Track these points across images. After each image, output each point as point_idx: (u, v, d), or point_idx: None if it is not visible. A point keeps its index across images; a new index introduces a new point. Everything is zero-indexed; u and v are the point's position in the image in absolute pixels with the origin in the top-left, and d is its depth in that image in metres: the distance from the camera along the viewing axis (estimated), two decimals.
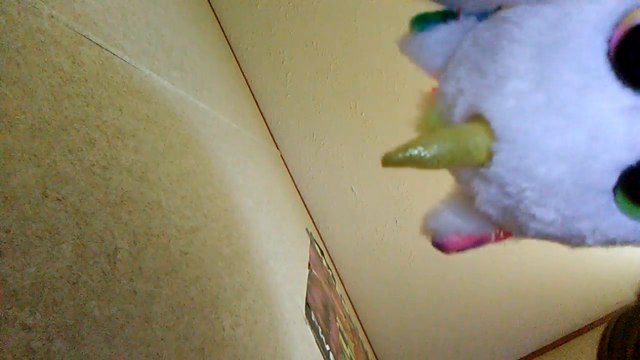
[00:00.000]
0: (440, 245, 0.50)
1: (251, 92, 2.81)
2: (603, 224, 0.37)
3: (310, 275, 1.91)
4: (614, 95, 0.33)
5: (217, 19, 2.71)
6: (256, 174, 1.88)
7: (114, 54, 0.93)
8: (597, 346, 0.49)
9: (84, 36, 0.84)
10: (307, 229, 2.51)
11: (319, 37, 2.62)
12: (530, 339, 2.95)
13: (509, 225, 0.43)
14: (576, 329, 2.85)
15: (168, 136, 1.03)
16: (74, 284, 0.53)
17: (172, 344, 0.68)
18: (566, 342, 2.87)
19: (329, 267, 2.67)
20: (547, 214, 0.38)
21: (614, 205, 0.35)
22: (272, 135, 2.87)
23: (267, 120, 2.86)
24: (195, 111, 1.35)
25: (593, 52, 0.34)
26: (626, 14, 0.33)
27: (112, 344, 0.55)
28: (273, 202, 1.94)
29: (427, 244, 0.50)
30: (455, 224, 0.48)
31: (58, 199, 0.57)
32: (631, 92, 0.33)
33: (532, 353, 2.97)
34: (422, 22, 0.46)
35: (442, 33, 0.45)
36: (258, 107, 2.83)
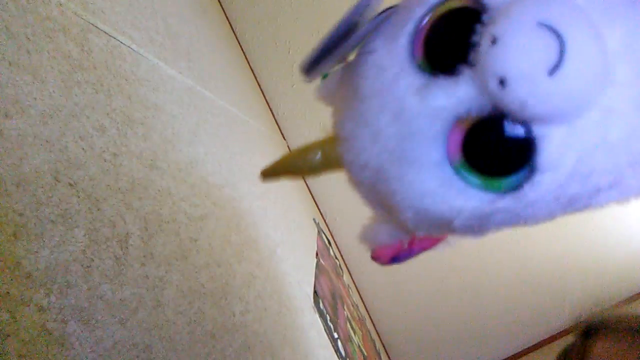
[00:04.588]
0: (373, 259, 0.57)
1: (257, 82, 2.80)
2: (449, 197, 0.38)
3: (317, 265, 1.92)
4: (410, 79, 0.39)
5: (223, 9, 2.70)
6: (263, 163, 1.88)
7: (121, 42, 0.93)
8: None
9: (92, 24, 0.84)
10: (314, 219, 2.52)
11: (325, 27, 2.59)
12: (534, 329, 2.95)
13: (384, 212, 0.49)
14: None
15: (176, 125, 1.04)
16: (87, 267, 0.54)
17: (184, 328, 0.68)
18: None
19: (336, 257, 2.68)
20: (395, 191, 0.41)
21: (460, 179, 0.37)
22: (278, 125, 2.86)
23: (273, 111, 2.85)
24: (203, 100, 1.35)
25: (403, 52, 0.40)
26: (428, 14, 0.39)
27: (125, 326, 0.56)
28: (280, 191, 1.95)
29: None
30: (379, 236, 0.54)
31: (70, 184, 0.57)
32: (423, 73, 0.38)
33: (538, 343, 2.97)
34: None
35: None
36: (264, 97, 2.82)
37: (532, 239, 2.74)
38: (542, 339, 2.96)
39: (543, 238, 2.72)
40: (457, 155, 0.37)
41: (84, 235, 0.56)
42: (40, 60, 0.63)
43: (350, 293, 2.61)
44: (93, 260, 0.56)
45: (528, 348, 2.98)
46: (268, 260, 1.27)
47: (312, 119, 2.81)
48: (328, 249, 2.47)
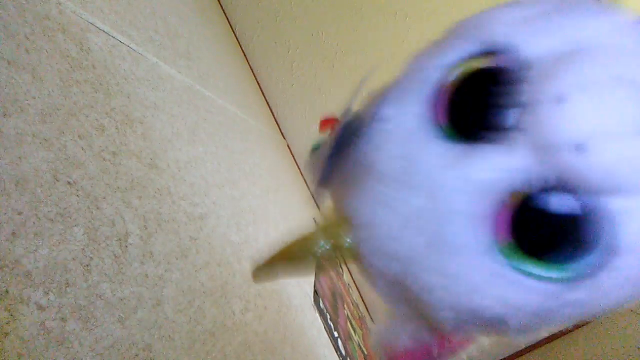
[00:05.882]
0: None
1: (257, 81, 2.80)
2: (503, 292, 0.31)
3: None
4: (440, 149, 0.33)
5: (223, 8, 2.70)
6: (263, 162, 1.88)
7: (121, 41, 0.93)
8: None
9: (91, 24, 0.84)
10: (314, 219, 2.52)
11: (325, 27, 2.59)
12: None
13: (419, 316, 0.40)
14: None
15: (176, 124, 1.04)
16: (86, 266, 0.54)
17: (184, 327, 0.68)
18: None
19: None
20: (430, 289, 0.34)
21: (515, 270, 0.30)
22: (278, 124, 2.86)
23: (273, 110, 2.85)
24: (202, 100, 1.35)
25: (424, 119, 0.34)
26: (447, 76, 0.34)
27: (125, 325, 0.56)
28: (280, 191, 1.95)
29: None
30: (401, 340, 0.45)
31: (69, 183, 0.57)
32: (453, 142, 0.32)
33: (538, 343, 2.97)
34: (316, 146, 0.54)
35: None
36: (264, 96, 2.82)
37: None
38: (542, 338, 2.95)
39: None
40: (509, 240, 0.30)
41: (84, 234, 0.56)
42: (39, 59, 0.63)
43: (351, 292, 2.61)
44: (92, 259, 0.56)
45: (528, 348, 2.98)
46: None
47: (312, 119, 2.81)
48: None
